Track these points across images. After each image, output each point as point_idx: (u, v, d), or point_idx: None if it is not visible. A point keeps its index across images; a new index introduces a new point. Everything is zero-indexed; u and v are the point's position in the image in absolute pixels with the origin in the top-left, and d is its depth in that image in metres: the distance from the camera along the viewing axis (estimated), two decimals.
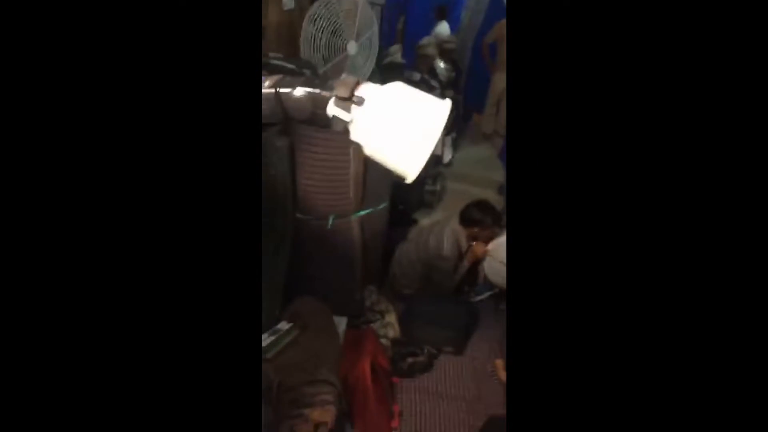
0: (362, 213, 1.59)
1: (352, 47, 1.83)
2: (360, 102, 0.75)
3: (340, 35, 1.77)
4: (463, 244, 1.82)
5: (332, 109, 0.79)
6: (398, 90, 0.75)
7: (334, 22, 1.74)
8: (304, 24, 1.69)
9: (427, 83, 3.12)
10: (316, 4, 1.69)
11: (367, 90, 0.76)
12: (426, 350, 1.64)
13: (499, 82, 3.61)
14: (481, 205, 1.80)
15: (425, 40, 3.13)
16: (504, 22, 3.47)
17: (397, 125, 0.72)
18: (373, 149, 0.77)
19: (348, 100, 0.76)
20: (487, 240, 1.81)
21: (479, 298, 1.99)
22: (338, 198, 1.50)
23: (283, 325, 1.15)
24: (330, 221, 1.52)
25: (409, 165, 0.72)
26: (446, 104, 0.73)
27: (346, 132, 0.79)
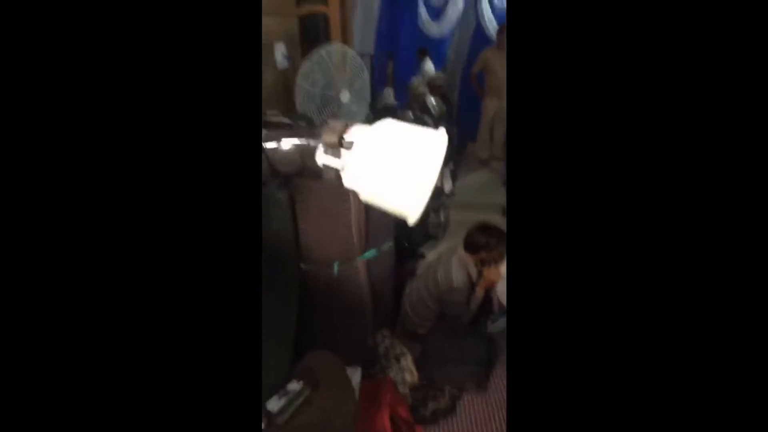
0: (367, 255, 1.58)
1: (345, 96, 1.90)
2: (349, 146, 0.70)
3: (333, 86, 1.85)
4: (473, 271, 1.77)
5: (321, 158, 0.75)
6: (389, 128, 0.70)
7: (327, 74, 1.82)
8: (298, 80, 1.77)
9: (420, 118, 3.20)
10: (307, 61, 1.77)
11: (356, 132, 0.72)
12: (447, 391, 1.57)
13: (490, 107, 3.69)
14: (484, 228, 1.76)
15: (415, 81, 3.25)
16: (487, 51, 3.59)
17: (392, 165, 0.67)
18: (370, 194, 0.71)
19: (337, 146, 0.71)
20: (497, 262, 1.77)
21: (496, 327, 1.93)
22: (342, 243, 1.50)
23: (294, 386, 1.11)
24: (335, 268, 1.51)
25: (410, 206, 0.67)
26: (441, 135, 0.69)
27: (339, 179, 0.75)
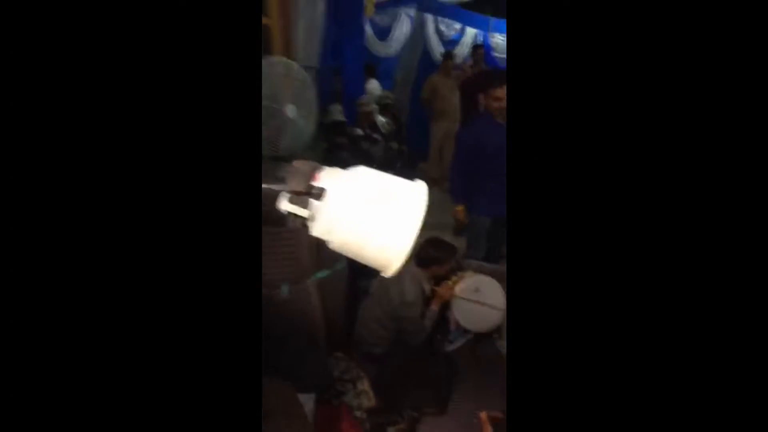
0: (319, 276, 1.50)
1: (290, 110, 1.83)
2: (319, 195, 0.62)
3: (276, 99, 1.78)
4: (426, 286, 1.76)
5: (285, 206, 0.65)
6: (365, 176, 0.64)
7: (269, 87, 1.74)
8: None
9: (369, 137, 3.20)
10: None
11: (326, 178, 0.64)
12: (406, 415, 1.50)
13: (439, 129, 3.80)
14: (435, 242, 1.77)
15: (364, 98, 3.26)
16: (433, 76, 3.72)
17: (369, 217, 0.60)
18: (341, 245, 0.64)
19: (304, 194, 0.63)
20: (448, 275, 1.76)
21: (454, 346, 1.90)
22: (291, 264, 1.41)
23: None
24: (284, 290, 1.41)
25: (387, 260, 0.60)
26: (422, 187, 0.63)
27: (305, 228, 0.66)
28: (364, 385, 1.59)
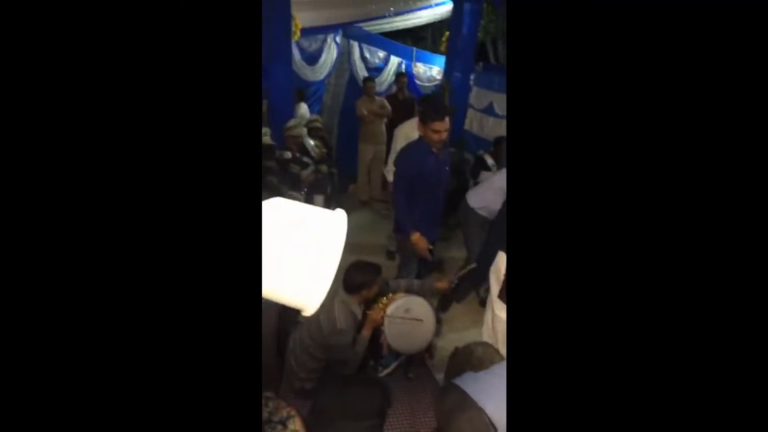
0: None
1: None
2: None
3: None
4: (357, 311, 1.73)
5: None
6: (280, 207, 0.61)
7: None
8: None
9: (299, 160, 3.16)
10: None
11: None
12: None
13: (366, 152, 3.88)
14: (359, 265, 1.74)
15: (292, 122, 3.22)
16: (359, 100, 3.81)
17: (287, 252, 0.56)
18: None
19: None
20: (376, 298, 1.75)
21: (387, 371, 1.90)
22: None
23: None
24: None
25: (306, 297, 0.56)
26: (341, 216, 0.61)
27: None
28: (296, 424, 1.51)
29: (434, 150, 1.94)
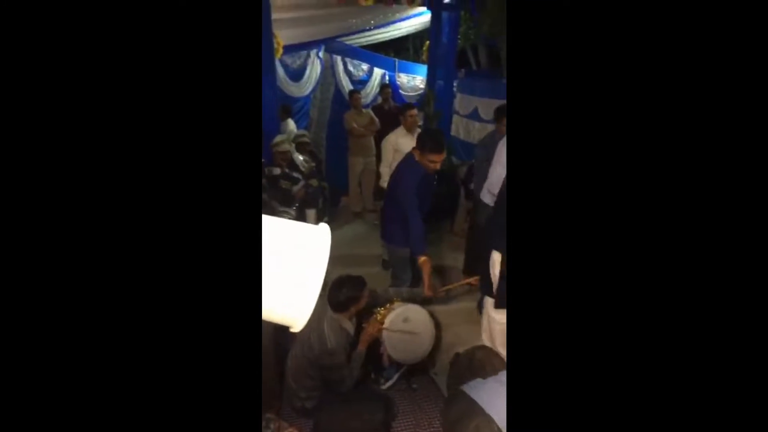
0: None
1: None
2: None
3: None
4: (349, 327, 1.68)
5: None
6: (263, 223, 0.61)
7: None
8: None
9: (288, 176, 3.16)
10: None
11: None
12: None
13: (356, 164, 3.89)
14: (342, 281, 1.66)
15: (278, 138, 3.23)
16: (347, 113, 3.83)
17: (272, 268, 0.55)
18: None
19: None
20: (370, 309, 1.71)
21: (389, 384, 1.87)
22: None
23: None
24: None
25: (293, 313, 0.55)
26: (324, 230, 0.60)
27: None
28: None
29: (428, 173, 2.01)
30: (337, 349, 1.57)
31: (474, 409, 1.21)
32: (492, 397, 1.22)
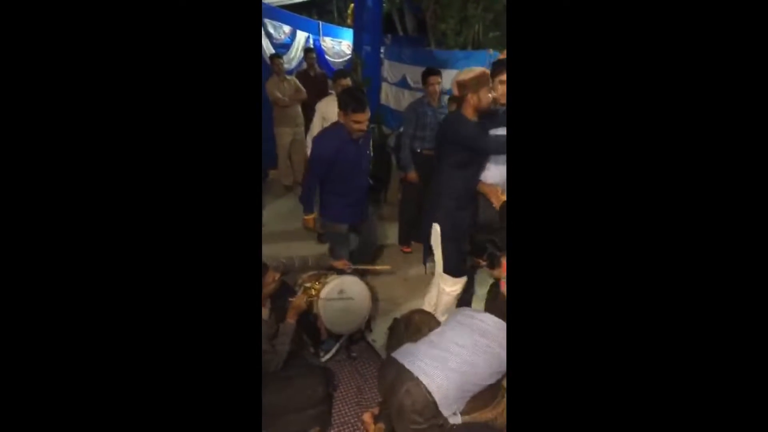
0: None
1: None
2: None
3: None
4: (263, 314, 1.57)
5: None
6: None
7: None
8: None
9: None
10: None
11: None
12: None
13: (284, 136, 3.70)
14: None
15: None
16: (268, 81, 3.59)
17: None
18: None
19: None
20: (282, 290, 1.65)
21: (329, 356, 1.89)
22: None
23: None
24: None
25: None
26: None
27: None
28: None
29: (354, 137, 1.92)
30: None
31: (403, 374, 1.25)
32: (420, 360, 1.26)
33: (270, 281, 1.58)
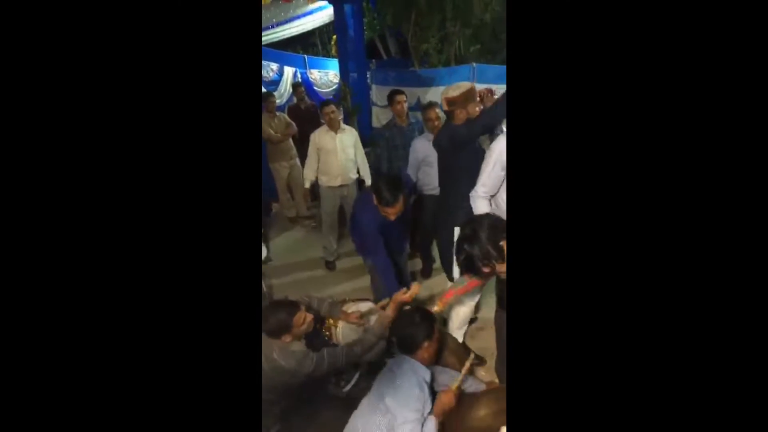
0: None
1: None
2: None
3: None
4: (300, 347, 1.56)
5: None
6: None
7: None
8: None
9: None
10: None
11: None
12: None
13: (281, 170, 3.76)
14: (272, 308, 1.52)
15: None
16: (263, 116, 3.66)
17: None
18: None
19: None
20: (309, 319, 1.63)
21: (350, 385, 1.85)
22: None
23: None
24: None
25: None
26: None
27: None
28: None
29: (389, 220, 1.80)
30: (297, 367, 1.48)
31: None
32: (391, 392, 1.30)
33: (301, 322, 1.53)
